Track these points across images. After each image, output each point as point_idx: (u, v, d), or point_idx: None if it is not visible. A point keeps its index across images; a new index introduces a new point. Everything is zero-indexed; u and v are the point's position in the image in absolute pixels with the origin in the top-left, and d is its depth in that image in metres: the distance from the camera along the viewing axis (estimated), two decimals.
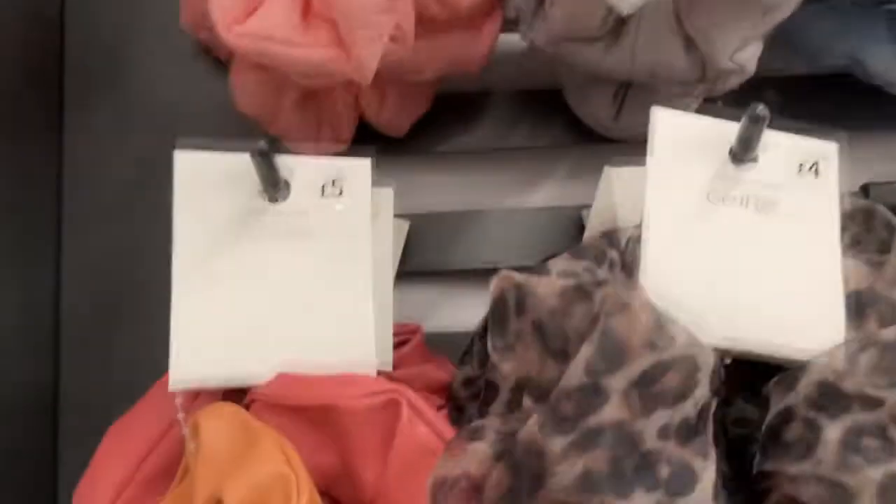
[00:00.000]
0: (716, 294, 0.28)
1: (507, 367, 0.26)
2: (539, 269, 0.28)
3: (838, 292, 0.28)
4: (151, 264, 0.43)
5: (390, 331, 0.34)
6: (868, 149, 0.41)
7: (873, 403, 0.26)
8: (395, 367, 0.33)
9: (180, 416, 0.29)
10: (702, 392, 0.25)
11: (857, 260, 0.30)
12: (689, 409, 0.25)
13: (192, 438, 0.29)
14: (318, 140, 0.42)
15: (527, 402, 0.26)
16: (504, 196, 0.45)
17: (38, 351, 0.44)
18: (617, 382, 0.24)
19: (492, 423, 0.27)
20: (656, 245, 0.28)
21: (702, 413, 0.26)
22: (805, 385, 0.27)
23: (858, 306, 0.28)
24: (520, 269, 0.28)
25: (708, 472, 0.26)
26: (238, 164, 0.31)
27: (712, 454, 0.26)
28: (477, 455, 0.26)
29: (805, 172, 0.29)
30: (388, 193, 0.36)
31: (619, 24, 0.36)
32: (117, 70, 0.47)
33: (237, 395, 0.30)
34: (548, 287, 0.25)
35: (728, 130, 0.29)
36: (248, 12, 0.33)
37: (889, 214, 0.32)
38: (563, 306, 0.25)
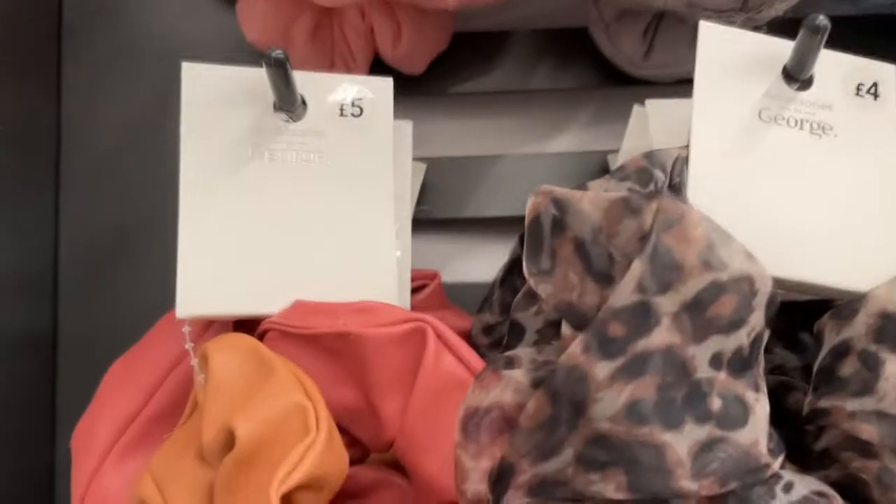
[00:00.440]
0: (766, 219, 0.26)
1: (545, 291, 0.23)
2: (578, 188, 0.26)
3: None
4: (154, 203, 0.41)
5: (408, 273, 0.32)
6: None
7: None
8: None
9: (188, 346, 0.27)
10: (757, 319, 0.23)
11: None
12: (742, 337, 0.23)
13: (202, 370, 0.27)
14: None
15: (566, 329, 0.24)
16: (524, 141, 0.43)
17: (36, 293, 0.42)
18: (669, 304, 0.22)
19: (526, 353, 0.25)
20: (703, 164, 0.26)
21: (755, 343, 0.24)
22: (865, 316, 0.25)
23: None
24: None
25: (761, 405, 0.24)
26: (251, 79, 0.29)
27: (764, 388, 0.24)
28: (511, 384, 0.24)
29: (864, 94, 0.27)
30: (407, 126, 0.34)
31: None
32: None
33: (250, 325, 0.28)
34: (592, 202, 0.23)
35: (780, 48, 0.27)
36: None
37: None
38: (609, 223, 0.23)
